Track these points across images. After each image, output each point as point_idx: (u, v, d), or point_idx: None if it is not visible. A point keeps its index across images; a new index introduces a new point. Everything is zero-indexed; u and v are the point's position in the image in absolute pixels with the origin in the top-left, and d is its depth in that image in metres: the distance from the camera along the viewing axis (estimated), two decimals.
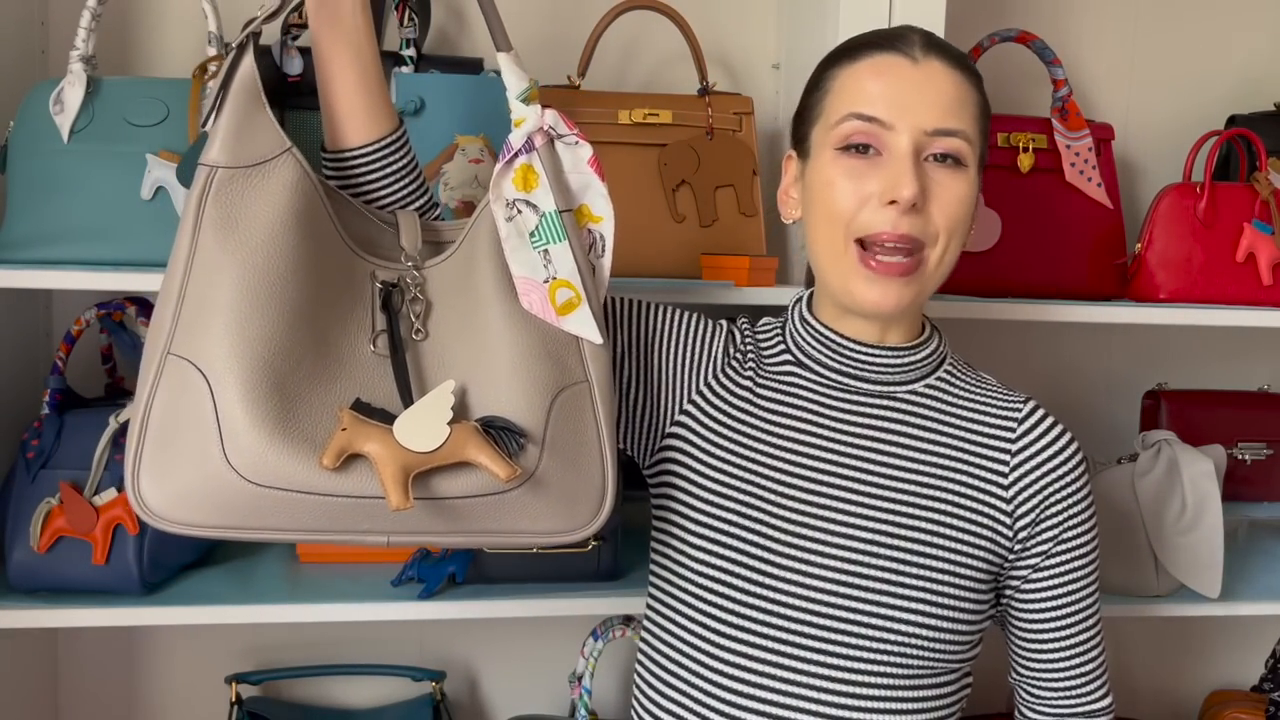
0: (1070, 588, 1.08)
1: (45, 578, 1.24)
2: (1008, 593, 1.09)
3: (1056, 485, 1.06)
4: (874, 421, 1.08)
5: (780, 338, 1.13)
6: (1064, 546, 1.07)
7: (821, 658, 1.02)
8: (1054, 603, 1.08)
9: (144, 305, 1.35)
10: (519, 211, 1.00)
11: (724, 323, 1.15)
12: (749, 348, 1.13)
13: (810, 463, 1.06)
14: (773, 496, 1.05)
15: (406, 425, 0.89)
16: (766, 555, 1.04)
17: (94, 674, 1.60)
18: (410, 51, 1.40)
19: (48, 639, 1.57)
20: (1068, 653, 1.09)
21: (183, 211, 0.94)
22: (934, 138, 1.01)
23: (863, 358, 1.08)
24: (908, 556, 1.03)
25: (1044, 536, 1.06)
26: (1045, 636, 1.09)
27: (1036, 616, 1.09)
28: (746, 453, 1.08)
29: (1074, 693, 1.10)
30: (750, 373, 1.11)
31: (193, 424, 0.87)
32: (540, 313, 0.98)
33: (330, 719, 1.61)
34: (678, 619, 1.08)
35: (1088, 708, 1.10)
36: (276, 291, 0.90)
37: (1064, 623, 1.08)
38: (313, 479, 0.87)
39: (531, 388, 0.95)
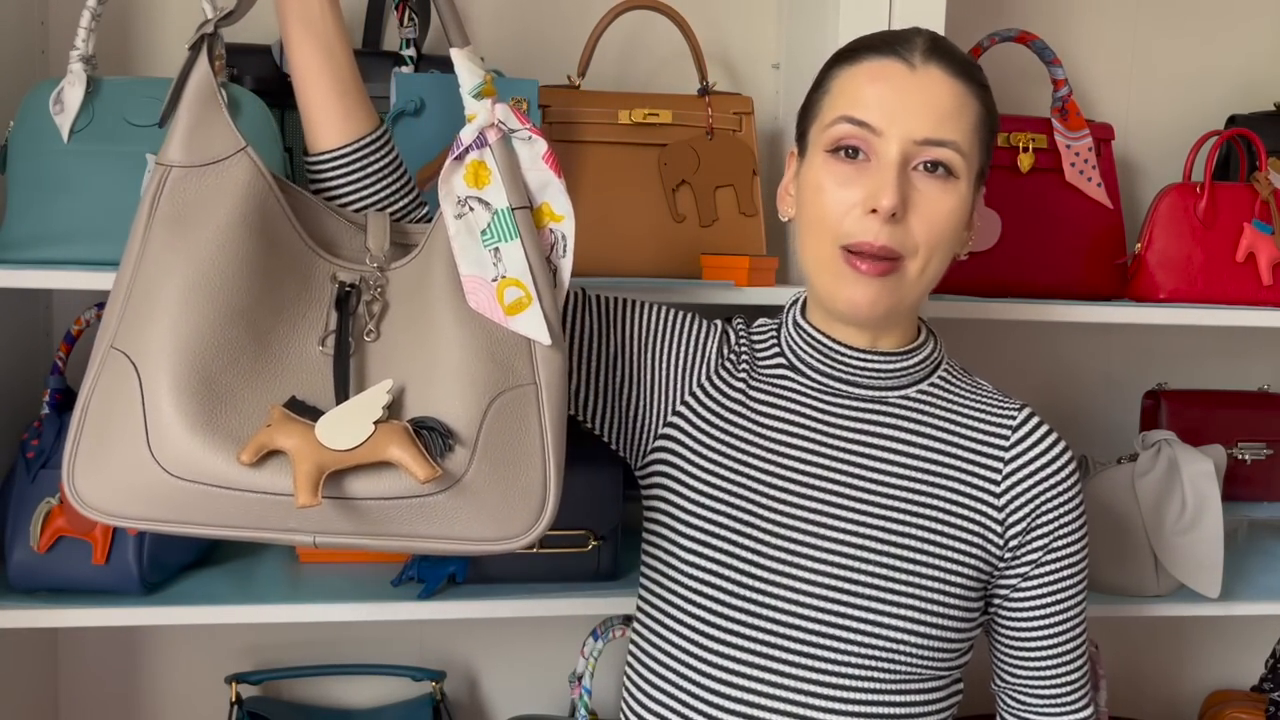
0: (1058, 597, 1.07)
1: (45, 578, 1.24)
2: (995, 600, 1.09)
3: (1049, 495, 1.06)
4: (866, 426, 1.07)
5: (775, 340, 1.13)
6: (1054, 556, 1.06)
7: (808, 662, 1.01)
8: (1041, 612, 1.07)
9: None
10: (470, 209, 0.98)
11: (719, 323, 1.15)
12: (743, 348, 1.13)
13: (801, 467, 1.06)
14: (762, 500, 1.05)
15: (330, 423, 0.88)
16: (754, 559, 1.03)
17: (94, 674, 1.60)
18: (410, 51, 1.40)
19: (48, 639, 1.57)
20: (1052, 662, 1.08)
21: (137, 208, 0.96)
22: (923, 147, 0.99)
23: (854, 362, 1.07)
24: (896, 563, 1.02)
25: (1034, 546, 1.06)
26: (1030, 646, 1.09)
27: (1023, 625, 1.08)
28: (738, 455, 1.07)
29: (1056, 701, 1.09)
30: (744, 374, 1.11)
31: (124, 417, 0.88)
32: (488, 312, 0.96)
33: (330, 719, 1.61)
34: (666, 620, 1.08)
35: (1070, 717, 1.10)
36: (218, 290, 0.91)
37: (1050, 632, 1.08)
38: (231, 474, 0.87)
39: (469, 389, 0.93)
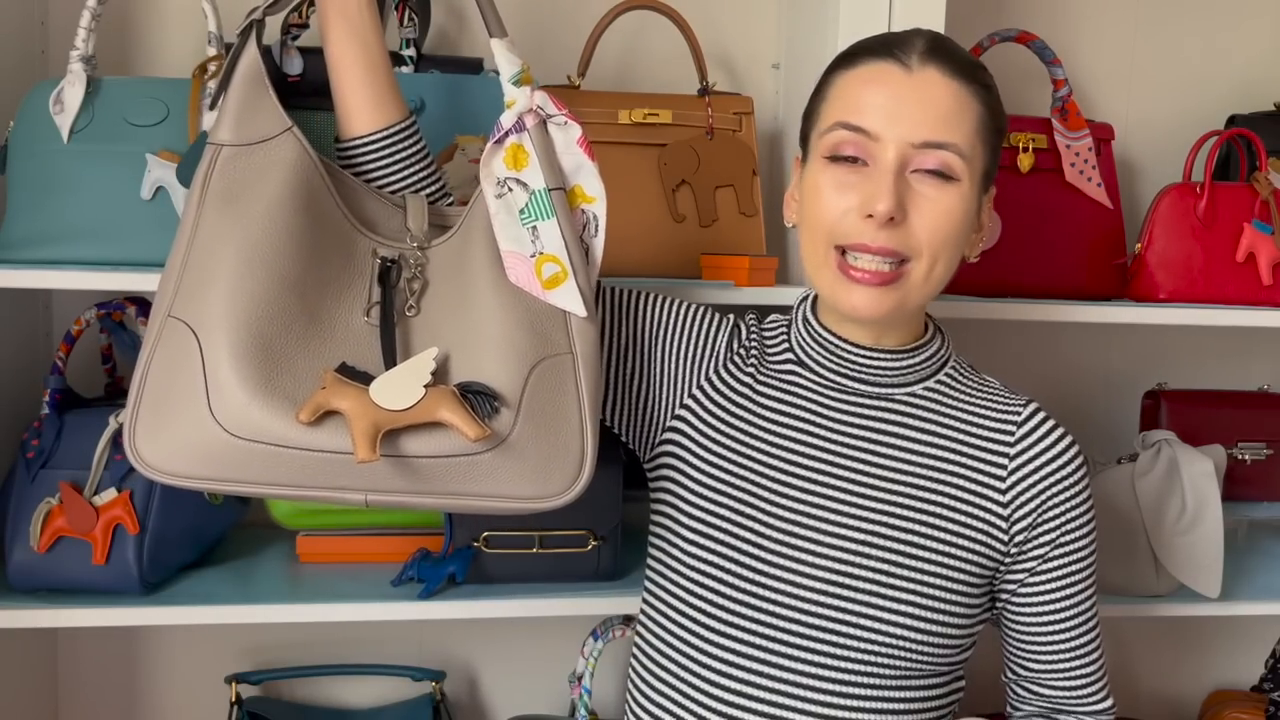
0: (1066, 592, 1.07)
1: (45, 578, 1.24)
2: (1003, 596, 1.09)
3: (1055, 489, 1.06)
4: (870, 423, 1.07)
5: (785, 337, 1.13)
6: (1061, 551, 1.06)
7: (809, 656, 1.02)
8: (1050, 607, 1.07)
9: (144, 305, 1.35)
10: (509, 190, 1.03)
11: (730, 316, 1.15)
12: (753, 344, 1.13)
13: (805, 462, 1.06)
14: (766, 495, 1.05)
15: (383, 385, 0.93)
16: (757, 554, 1.04)
17: (94, 674, 1.60)
18: (410, 51, 1.40)
19: (48, 639, 1.57)
20: (1063, 657, 1.08)
21: (189, 188, 1.01)
22: (921, 151, 0.99)
23: (859, 360, 1.08)
24: (898, 559, 1.03)
25: (1040, 540, 1.06)
26: (1041, 641, 1.09)
27: (1032, 621, 1.08)
28: (743, 450, 1.08)
29: (1073, 694, 1.09)
30: (752, 369, 1.12)
31: (184, 381, 0.93)
32: (526, 286, 1.01)
33: (330, 719, 1.61)
34: (670, 614, 1.08)
35: (1089, 708, 1.10)
36: (270, 260, 0.96)
37: (1059, 627, 1.08)
38: (290, 434, 0.92)
39: (511, 356, 0.98)
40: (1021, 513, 1.06)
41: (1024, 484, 1.06)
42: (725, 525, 1.05)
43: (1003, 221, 1.52)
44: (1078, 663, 1.09)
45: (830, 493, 1.05)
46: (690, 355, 1.12)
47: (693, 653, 1.06)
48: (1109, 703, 1.10)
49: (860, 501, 1.05)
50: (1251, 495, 1.65)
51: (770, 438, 1.08)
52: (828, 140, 1.02)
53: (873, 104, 1.00)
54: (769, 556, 1.03)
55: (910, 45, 1.01)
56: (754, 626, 1.03)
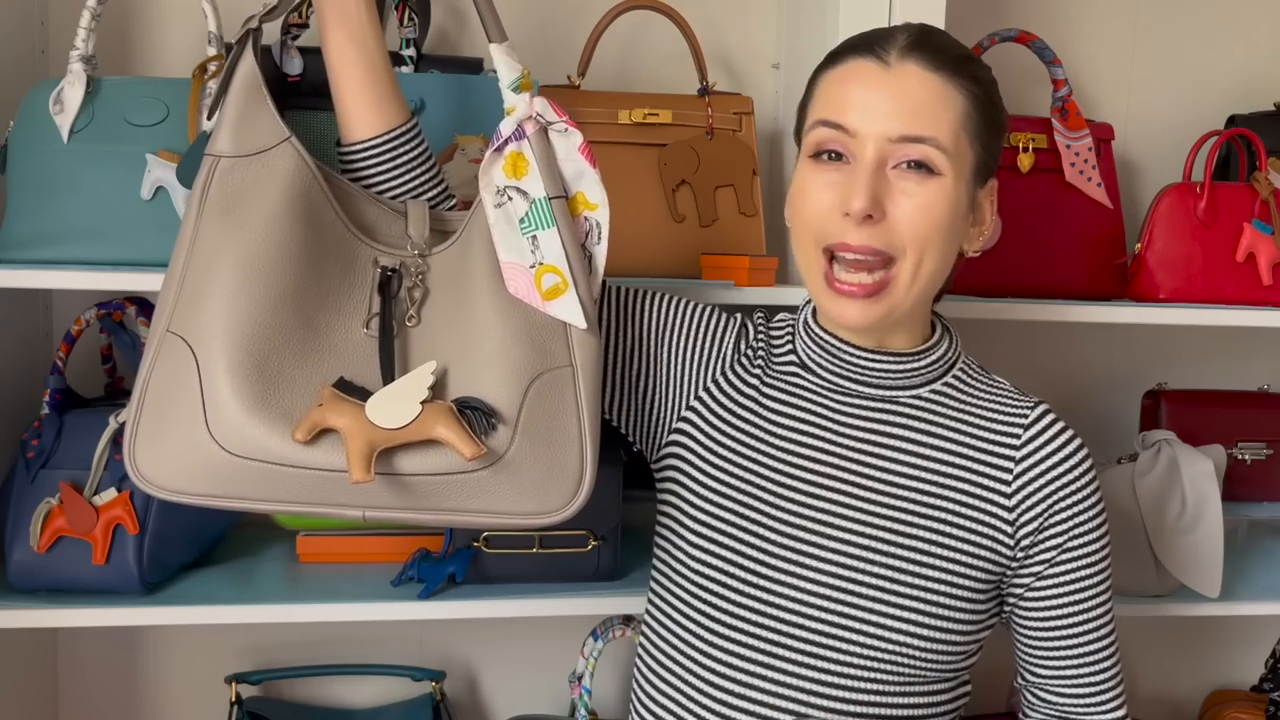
0: (1075, 598, 1.06)
1: (45, 578, 1.24)
2: (1011, 600, 1.08)
3: (1062, 493, 1.05)
4: (875, 427, 1.07)
5: (790, 339, 1.13)
6: (1069, 555, 1.05)
7: (813, 660, 1.01)
8: (1057, 613, 1.06)
9: (144, 305, 1.35)
10: (509, 198, 1.02)
11: (738, 316, 1.15)
12: (760, 344, 1.13)
13: (810, 466, 1.06)
14: (771, 498, 1.05)
15: (379, 402, 0.92)
16: (761, 557, 1.03)
17: (94, 674, 1.60)
18: (410, 51, 1.40)
19: (48, 639, 1.57)
20: (1072, 664, 1.07)
21: (188, 199, 1.00)
22: (899, 145, 0.99)
23: (861, 363, 1.07)
24: (902, 564, 1.02)
25: (1048, 545, 1.05)
26: (1049, 647, 1.08)
27: (1040, 626, 1.07)
28: (748, 453, 1.07)
29: (1084, 701, 1.08)
30: (758, 371, 1.11)
31: (182, 397, 0.92)
32: (526, 297, 1.00)
33: (330, 719, 1.61)
34: (674, 616, 1.08)
35: (1099, 717, 1.08)
36: (267, 275, 0.95)
37: (1068, 633, 1.07)
38: (287, 452, 0.91)
39: (509, 371, 0.97)
40: (1027, 516, 1.05)
41: (1030, 487, 1.05)
42: (729, 528, 1.05)
43: (1003, 221, 1.52)
44: (1087, 670, 1.07)
45: (835, 496, 1.05)
46: (697, 356, 1.12)
47: (696, 655, 1.05)
48: (1122, 713, 1.09)
49: (864, 505, 1.04)
50: (1251, 495, 1.65)
51: (775, 441, 1.07)
52: (811, 138, 1.03)
53: (852, 100, 1.00)
54: (773, 560, 1.03)
55: (892, 41, 1.01)
56: (758, 630, 1.03)
